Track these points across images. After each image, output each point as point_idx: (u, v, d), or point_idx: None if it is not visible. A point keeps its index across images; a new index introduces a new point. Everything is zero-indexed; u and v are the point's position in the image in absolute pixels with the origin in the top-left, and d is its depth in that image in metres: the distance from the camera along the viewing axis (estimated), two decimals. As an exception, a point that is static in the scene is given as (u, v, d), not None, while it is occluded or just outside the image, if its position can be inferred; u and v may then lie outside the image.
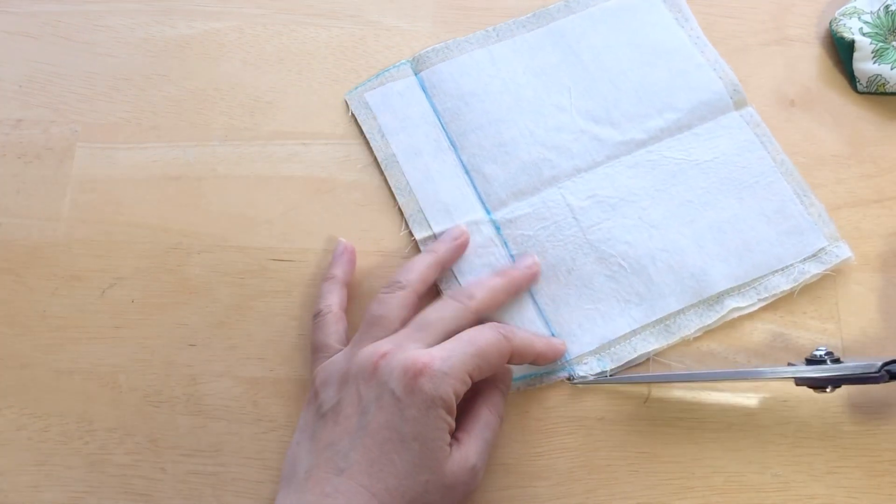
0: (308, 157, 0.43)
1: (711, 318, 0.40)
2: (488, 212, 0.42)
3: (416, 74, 0.45)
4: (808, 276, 0.40)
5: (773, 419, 0.38)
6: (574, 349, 0.39)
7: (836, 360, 0.36)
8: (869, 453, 0.38)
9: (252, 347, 0.40)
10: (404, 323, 0.36)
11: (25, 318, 0.40)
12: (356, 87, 0.45)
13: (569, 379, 0.39)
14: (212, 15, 0.46)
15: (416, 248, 0.42)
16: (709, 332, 0.40)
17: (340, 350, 0.37)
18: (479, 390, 0.36)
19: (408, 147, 0.43)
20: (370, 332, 0.36)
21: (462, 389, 0.33)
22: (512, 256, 0.41)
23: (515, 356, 0.36)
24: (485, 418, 0.35)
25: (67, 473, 0.38)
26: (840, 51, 0.45)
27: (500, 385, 0.37)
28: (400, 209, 0.42)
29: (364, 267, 0.41)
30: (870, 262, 0.41)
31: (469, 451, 0.34)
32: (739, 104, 0.44)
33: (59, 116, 0.44)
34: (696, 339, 0.40)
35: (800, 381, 0.36)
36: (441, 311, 0.36)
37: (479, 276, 0.40)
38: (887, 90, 0.44)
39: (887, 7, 0.44)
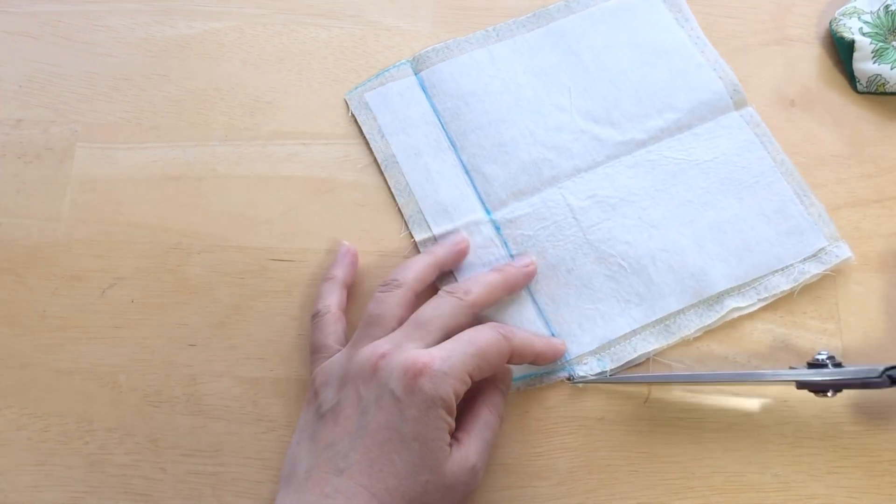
0: (308, 157, 0.43)
1: (711, 318, 0.40)
2: (488, 212, 0.42)
3: (416, 74, 0.45)
4: (808, 276, 0.40)
5: (773, 419, 0.38)
6: (574, 349, 0.39)
7: (838, 364, 0.36)
8: (869, 453, 0.38)
9: (252, 347, 0.40)
10: (402, 322, 0.36)
11: (25, 318, 0.40)
12: (356, 87, 0.45)
13: (569, 379, 0.39)
14: (212, 15, 0.46)
15: (416, 249, 0.42)
16: (709, 332, 0.40)
17: (339, 350, 0.37)
18: (479, 390, 0.36)
19: (408, 147, 0.43)
20: (368, 332, 0.36)
21: (462, 389, 0.33)
22: (512, 256, 0.41)
23: (515, 356, 0.36)
24: (485, 418, 0.35)
25: (67, 473, 0.38)
26: (840, 51, 0.45)
27: (500, 385, 0.37)
28: (400, 209, 0.42)
29: (364, 267, 0.41)
30: (870, 262, 0.41)
31: (469, 451, 0.34)
32: (739, 104, 0.44)
33: (59, 116, 0.44)
34: (696, 339, 0.40)
35: (801, 385, 0.36)
36: (438, 308, 0.36)
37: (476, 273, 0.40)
38: (887, 90, 0.44)
39: (887, 7, 0.44)
